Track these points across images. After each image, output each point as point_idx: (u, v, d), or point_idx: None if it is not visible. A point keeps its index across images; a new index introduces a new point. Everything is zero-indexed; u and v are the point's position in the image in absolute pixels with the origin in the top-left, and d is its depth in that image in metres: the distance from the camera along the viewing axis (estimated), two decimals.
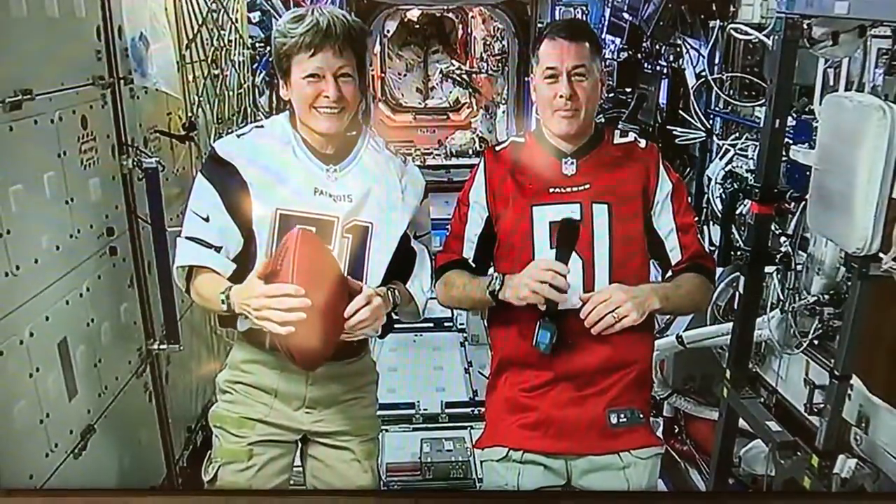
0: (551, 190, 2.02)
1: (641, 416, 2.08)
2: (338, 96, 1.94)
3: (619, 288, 1.91)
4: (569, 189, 2.03)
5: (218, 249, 2.01)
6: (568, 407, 2.05)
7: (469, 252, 2.13)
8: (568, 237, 1.94)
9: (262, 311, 1.80)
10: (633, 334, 1.95)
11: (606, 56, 4.67)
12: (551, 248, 1.99)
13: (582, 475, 2.07)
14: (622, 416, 2.05)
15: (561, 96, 1.98)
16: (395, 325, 2.22)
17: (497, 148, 2.19)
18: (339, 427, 2.18)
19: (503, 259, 2.09)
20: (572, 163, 2.06)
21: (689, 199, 2.19)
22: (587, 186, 2.04)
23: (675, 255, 2.08)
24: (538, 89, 2.06)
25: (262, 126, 2.11)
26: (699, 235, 2.20)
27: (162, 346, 2.92)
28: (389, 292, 2.02)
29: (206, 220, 2.01)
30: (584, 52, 2.00)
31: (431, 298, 2.20)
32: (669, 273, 2.10)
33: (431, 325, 5.59)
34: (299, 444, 2.23)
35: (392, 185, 2.09)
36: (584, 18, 5.19)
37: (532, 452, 2.07)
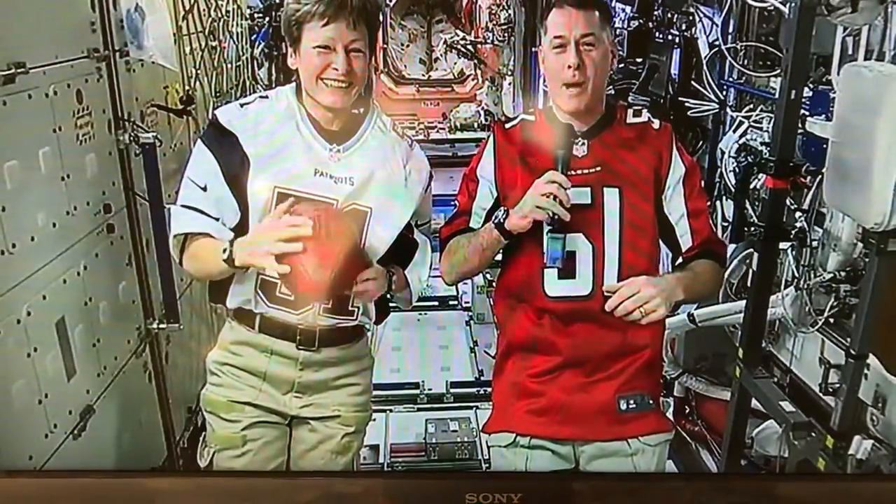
0: None
1: (651, 401, 2.06)
2: (347, 70, 1.89)
3: (648, 281, 1.87)
4: (579, 171, 1.98)
5: (215, 220, 1.98)
6: (577, 392, 2.02)
7: (476, 224, 2.07)
8: (566, 144, 1.93)
9: (269, 245, 1.79)
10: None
11: (616, 25, 4.58)
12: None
13: (590, 461, 2.05)
14: (632, 401, 2.03)
15: (569, 66, 1.93)
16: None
17: (507, 125, 2.13)
18: (326, 413, 2.16)
19: (511, 242, 2.02)
20: (583, 143, 2.01)
21: (703, 181, 2.15)
22: (598, 169, 2.00)
23: (685, 241, 2.05)
24: (546, 61, 2.01)
25: (266, 97, 2.05)
26: (710, 220, 2.16)
27: (161, 326, 2.91)
28: (388, 276, 2.02)
29: (204, 189, 1.98)
30: (593, 20, 1.95)
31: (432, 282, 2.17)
32: (680, 259, 2.06)
33: (436, 303, 5.57)
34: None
35: (395, 169, 2.04)
36: None
37: (540, 438, 2.04)
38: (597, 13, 1.96)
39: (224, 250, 1.88)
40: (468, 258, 2.03)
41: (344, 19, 1.87)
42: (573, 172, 1.98)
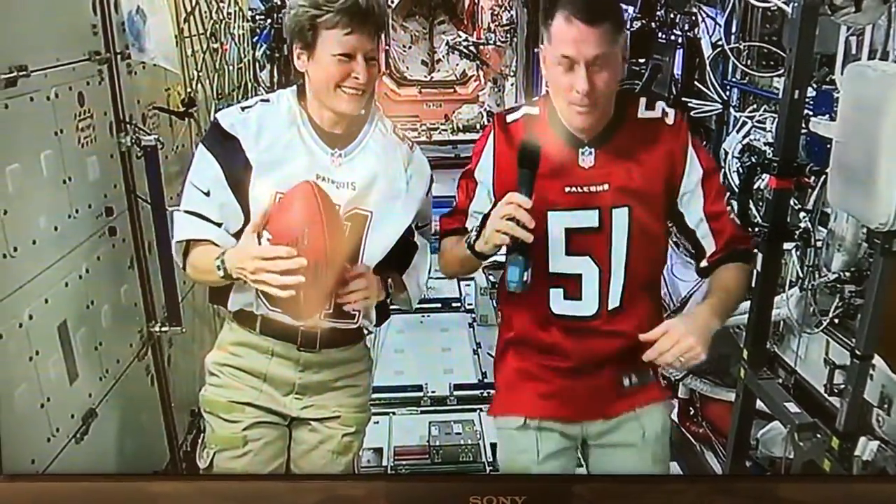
0: (567, 189, 1.88)
1: (651, 373, 2.08)
2: (367, 78, 1.87)
3: (686, 330, 1.75)
4: (586, 188, 1.89)
5: (219, 226, 1.97)
6: (584, 380, 2.03)
7: (471, 226, 1.98)
8: (531, 163, 1.77)
9: (258, 275, 1.77)
10: (647, 322, 1.89)
11: None
12: (566, 254, 1.91)
13: (599, 437, 2.09)
14: (634, 377, 2.05)
15: (577, 91, 1.75)
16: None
17: (508, 118, 1.97)
18: (327, 414, 2.16)
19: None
20: (590, 153, 1.89)
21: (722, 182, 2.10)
22: (606, 187, 1.89)
23: (708, 244, 1.97)
24: (550, 73, 1.83)
25: (267, 100, 2.03)
26: (732, 218, 2.08)
27: (164, 329, 2.90)
28: (383, 281, 2.01)
29: (207, 194, 1.97)
30: (605, 38, 1.73)
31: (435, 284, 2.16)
32: (705, 262, 2.00)
33: (439, 305, 5.54)
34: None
35: (397, 173, 2.02)
36: None
37: (549, 420, 2.06)
38: (609, 25, 1.75)
39: (218, 267, 1.87)
40: (450, 263, 2.02)
41: (366, 28, 1.85)
42: (580, 190, 1.90)
